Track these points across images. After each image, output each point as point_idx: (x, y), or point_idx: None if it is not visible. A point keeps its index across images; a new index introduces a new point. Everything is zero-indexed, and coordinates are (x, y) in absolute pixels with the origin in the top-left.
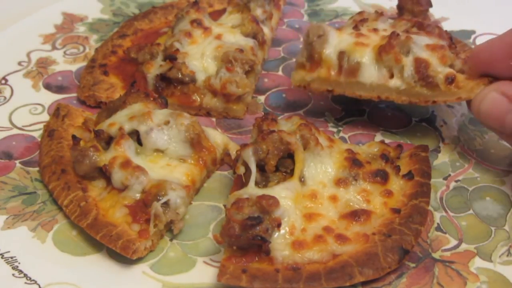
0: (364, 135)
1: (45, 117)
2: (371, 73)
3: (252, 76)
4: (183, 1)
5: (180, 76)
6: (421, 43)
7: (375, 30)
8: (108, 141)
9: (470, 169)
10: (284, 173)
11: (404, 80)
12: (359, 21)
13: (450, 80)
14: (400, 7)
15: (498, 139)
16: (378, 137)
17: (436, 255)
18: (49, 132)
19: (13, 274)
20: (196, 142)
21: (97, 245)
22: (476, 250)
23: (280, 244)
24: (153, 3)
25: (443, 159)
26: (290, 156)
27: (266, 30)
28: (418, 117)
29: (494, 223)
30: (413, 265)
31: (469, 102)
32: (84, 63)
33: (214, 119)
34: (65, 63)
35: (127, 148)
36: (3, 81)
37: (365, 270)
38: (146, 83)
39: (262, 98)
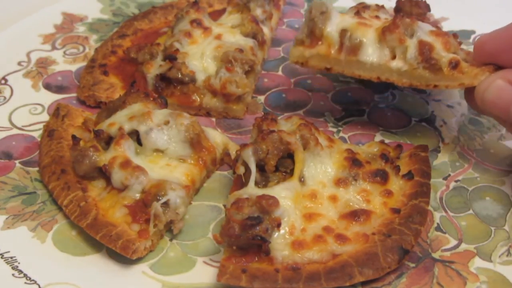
0: (364, 135)
1: (45, 117)
2: (372, 53)
3: (252, 76)
4: (183, 1)
5: (180, 76)
6: (425, 29)
7: (377, 17)
8: (108, 141)
9: (470, 169)
10: (284, 173)
11: (406, 62)
12: (361, 8)
13: (453, 64)
14: (397, 9)
15: (498, 139)
16: (378, 137)
17: (436, 255)
18: (49, 132)
19: (13, 274)
20: (196, 142)
21: (97, 245)
22: (476, 250)
23: (280, 244)
24: (153, 3)
25: (443, 159)
26: (290, 156)
27: (266, 30)
28: (418, 117)
29: (494, 223)
30: (413, 265)
31: (469, 100)
32: (84, 63)
33: (214, 119)
34: (65, 63)
35: (127, 148)
36: (3, 81)
37: (365, 270)
38: (146, 83)
39: (262, 98)
